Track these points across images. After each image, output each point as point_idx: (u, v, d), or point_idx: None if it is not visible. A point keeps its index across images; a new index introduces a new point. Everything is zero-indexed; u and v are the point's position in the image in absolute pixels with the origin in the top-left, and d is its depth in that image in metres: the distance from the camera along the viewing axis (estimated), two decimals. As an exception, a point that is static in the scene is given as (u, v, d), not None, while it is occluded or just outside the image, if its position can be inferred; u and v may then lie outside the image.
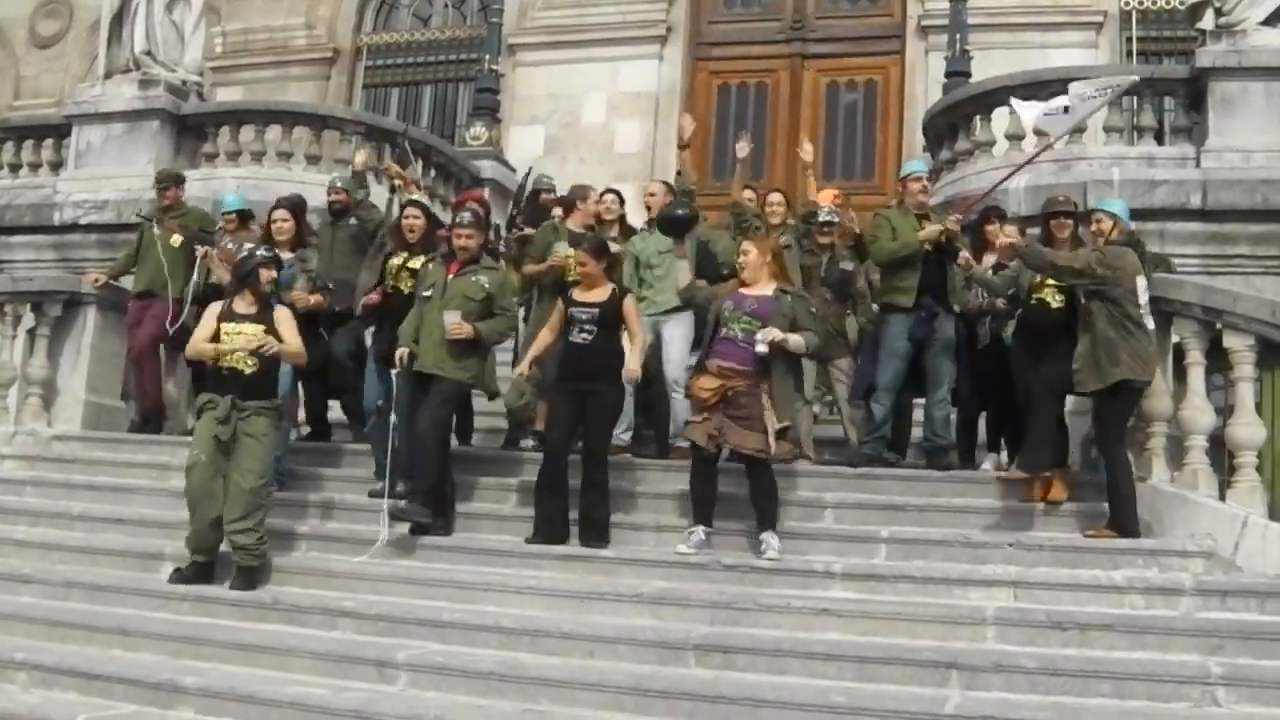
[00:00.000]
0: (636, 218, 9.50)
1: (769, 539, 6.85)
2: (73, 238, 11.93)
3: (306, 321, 7.91)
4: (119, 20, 12.46)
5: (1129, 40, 13.88)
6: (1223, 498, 6.90)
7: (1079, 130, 10.19)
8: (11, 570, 7.36)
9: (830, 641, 5.93)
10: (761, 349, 6.88)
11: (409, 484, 7.47)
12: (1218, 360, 7.22)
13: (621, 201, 9.20)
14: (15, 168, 12.87)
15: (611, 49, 15.15)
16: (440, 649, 6.10)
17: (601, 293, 7.50)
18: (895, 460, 8.27)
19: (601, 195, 9.15)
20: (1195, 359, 7.19)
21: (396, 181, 9.86)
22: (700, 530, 7.01)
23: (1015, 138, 10.43)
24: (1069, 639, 5.82)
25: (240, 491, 6.96)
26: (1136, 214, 8.58)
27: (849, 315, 8.79)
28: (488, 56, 14.51)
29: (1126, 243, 7.43)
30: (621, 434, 8.33)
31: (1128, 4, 14.05)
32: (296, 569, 7.21)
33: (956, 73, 12.45)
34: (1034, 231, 8.20)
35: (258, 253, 7.52)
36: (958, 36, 12.77)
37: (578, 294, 7.60)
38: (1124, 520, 6.76)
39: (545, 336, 7.71)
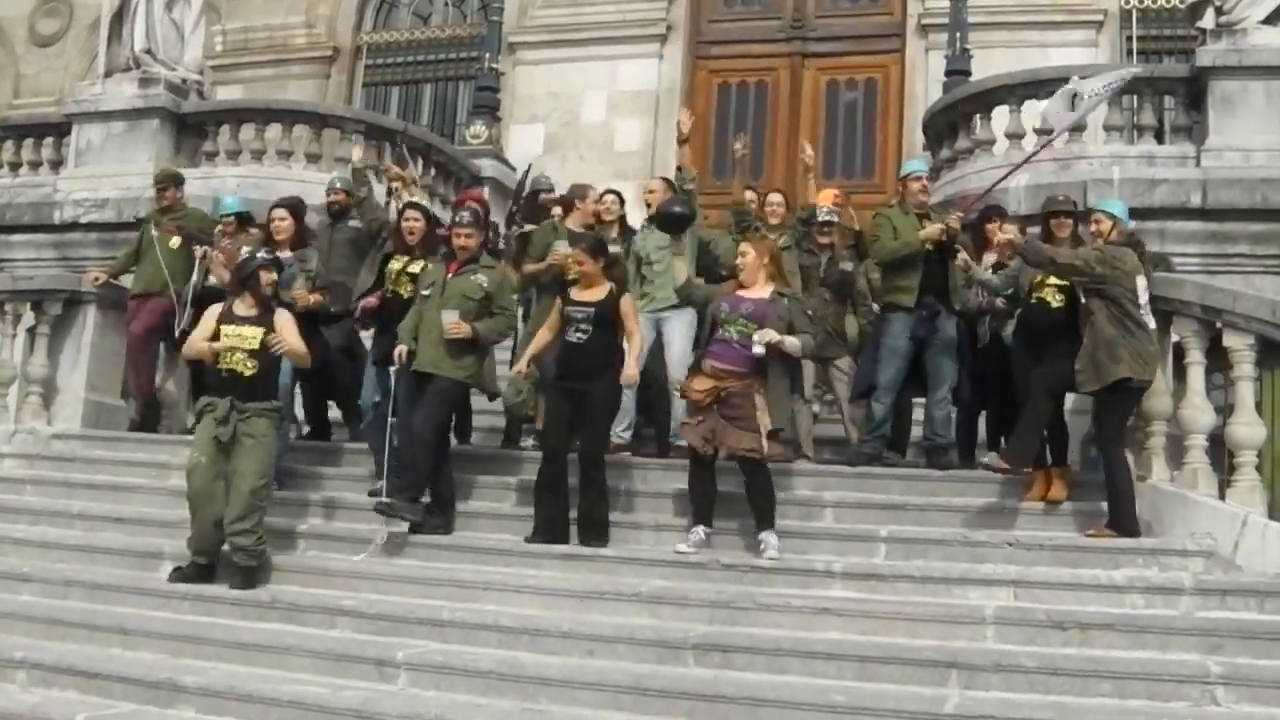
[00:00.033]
0: (637, 217, 9.50)
1: (768, 538, 6.86)
2: (73, 236, 11.93)
3: (306, 321, 7.91)
4: (119, 19, 12.45)
5: (1129, 39, 13.88)
6: (1222, 497, 6.91)
7: (1079, 129, 10.21)
8: (11, 569, 7.36)
9: (830, 641, 5.93)
10: (758, 350, 6.89)
11: (399, 480, 7.48)
12: (1217, 359, 7.22)
13: (622, 202, 9.19)
14: (15, 166, 12.86)
15: (611, 47, 15.15)
16: (440, 648, 6.10)
17: (598, 292, 7.50)
18: (895, 460, 8.26)
19: (602, 196, 9.14)
20: (1195, 358, 7.19)
21: (395, 184, 9.85)
22: (700, 530, 7.02)
23: (1015, 136, 10.44)
24: (1069, 638, 5.82)
25: (240, 493, 6.96)
26: (1136, 213, 8.59)
27: (849, 315, 8.80)
28: (488, 55, 14.51)
29: (1126, 243, 7.43)
30: (621, 431, 8.34)
31: (1128, 3, 14.04)
32: (296, 568, 7.21)
33: (956, 71, 12.46)
34: (1034, 230, 8.21)
35: (258, 255, 7.53)
36: (958, 35, 12.78)
37: (575, 293, 7.61)
38: (1123, 519, 6.76)
39: (543, 335, 7.71)
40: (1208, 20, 10.13)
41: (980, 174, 10.23)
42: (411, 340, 7.64)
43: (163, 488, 8.39)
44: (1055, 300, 7.35)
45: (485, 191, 12.39)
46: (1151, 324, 7.06)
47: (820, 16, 15.05)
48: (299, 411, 9.06)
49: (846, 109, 14.73)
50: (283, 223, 8.85)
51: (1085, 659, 5.62)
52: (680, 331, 8.36)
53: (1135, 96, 10.43)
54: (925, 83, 13.91)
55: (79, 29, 17.87)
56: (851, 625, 6.08)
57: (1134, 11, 14.02)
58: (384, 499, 7.36)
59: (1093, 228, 7.51)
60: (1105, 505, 6.91)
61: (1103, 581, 6.32)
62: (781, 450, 7.36)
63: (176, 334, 9.08)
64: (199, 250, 9.15)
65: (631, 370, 7.41)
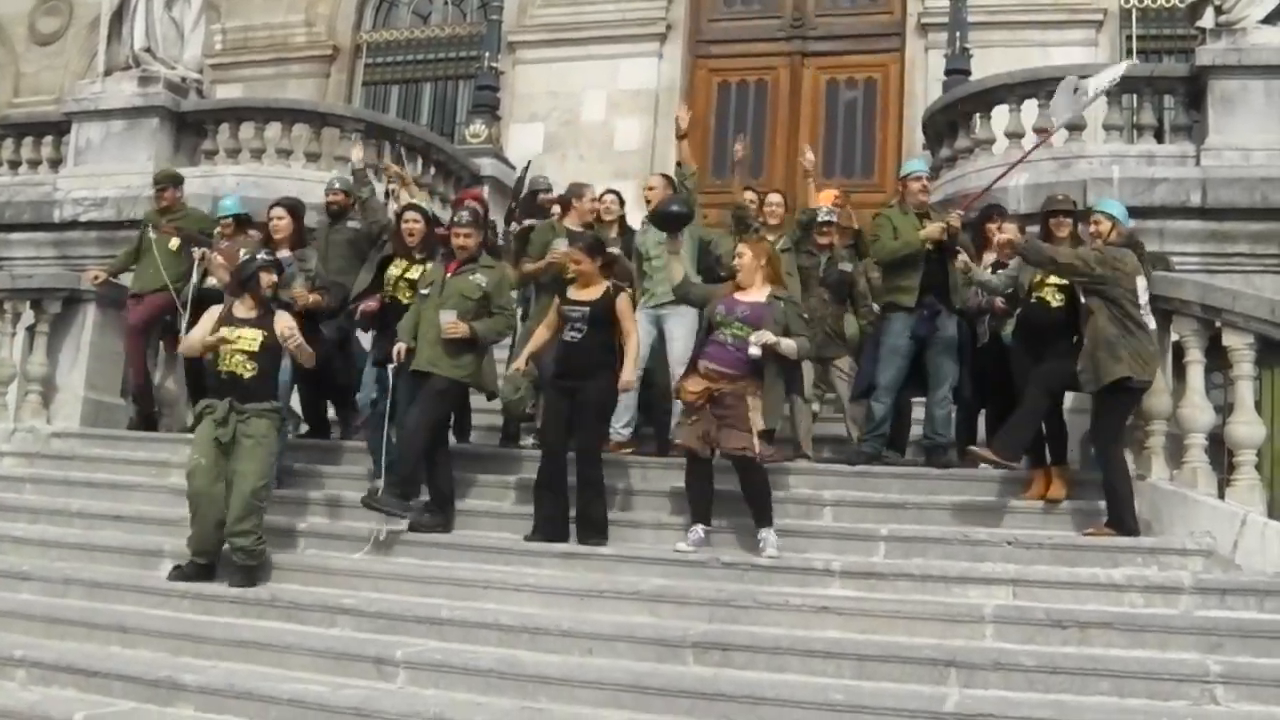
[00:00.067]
0: (637, 217, 9.50)
1: (767, 536, 6.87)
2: (72, 235, 11.90)
3: (305, 320, 7.91)
4: (119, 17, 12.43)
5: (1129, 38, 13.86)
6: (1222, 496, 6.91)
7: (1079, 127, 10.21)
8: (10, 567, 7.36)
9: (829, 639, 5.93)
10: (755, 351, 6.90)
11: (390, 477, 7.50)
12: (1217, 358, 7.22)
13: (621, 202, 9.20)
14: (15, 165, 12.84)
15: (611, 46, 15.14)
16: (439, 646, 6.10)
17: (594, 291, 7.51)
18: (894, 458, 8.27)
19: (601, 196, 9.15)
20: (1195, 357, 7.20)
21: (392, 185, 9.83)
22: (699, 528, 7.03)
23: (1015, 135, 10.43)
24: (1068, 637, 5.82)
25: (241, 495, 6.96)
26: (1136, 212, 8.58)
27: (848, 315, 8.80)
28: (487, 54, 14.50)
29: (1125, 244, 7.43)
30: (621, 428, 8.36)
31: (1128, 2, 14.02)
32: (295, 566, 7.21)
33: (956, 70, 12.45)
34: (1033, 230, 8.20)
35: (259, 256, 7.53)
36: (957, 34, 12.77)
37: (572, 292, 7.62)
38: (1122, 518, 6.77)
39: (541, 333, 7.73)
40: (1207, 19, 10.12)
41: (980, 173, 10.21)
42: (411, 339, 7.66)
43: (162, 486, 8.40)
44: (1055, 300, 7.36)
45: (485, 190, 12.37)
46: (1152, 324, 7.06)
47: (820, 15, 15.04)
48: (296, 406, 9.06)
49: (846, 108, 14.72)
50: (280, 222, 8.85)
51: (1084, 658, 5.62)
52: (682, 329, 8.36)
53: (1135, 96, 10.43)
54: (925, 82, 13.89)
55: (79, 27, 17.86)
56: (851, 624, 6.08)
57: (1134, 11, 14.01)
58: (372, 493, 7.38)
59: (1092, 228, 7.51)
60: (1104, 504, 6.91)
61: (1102, 580, 6.32)
62: (774, 450, 7.35)
63: (182, 333, 9.08)
64: (197, 252, 9.15)
65: (628, 377, 7.41)
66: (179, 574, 7.06)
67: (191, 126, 12.38)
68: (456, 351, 7.59)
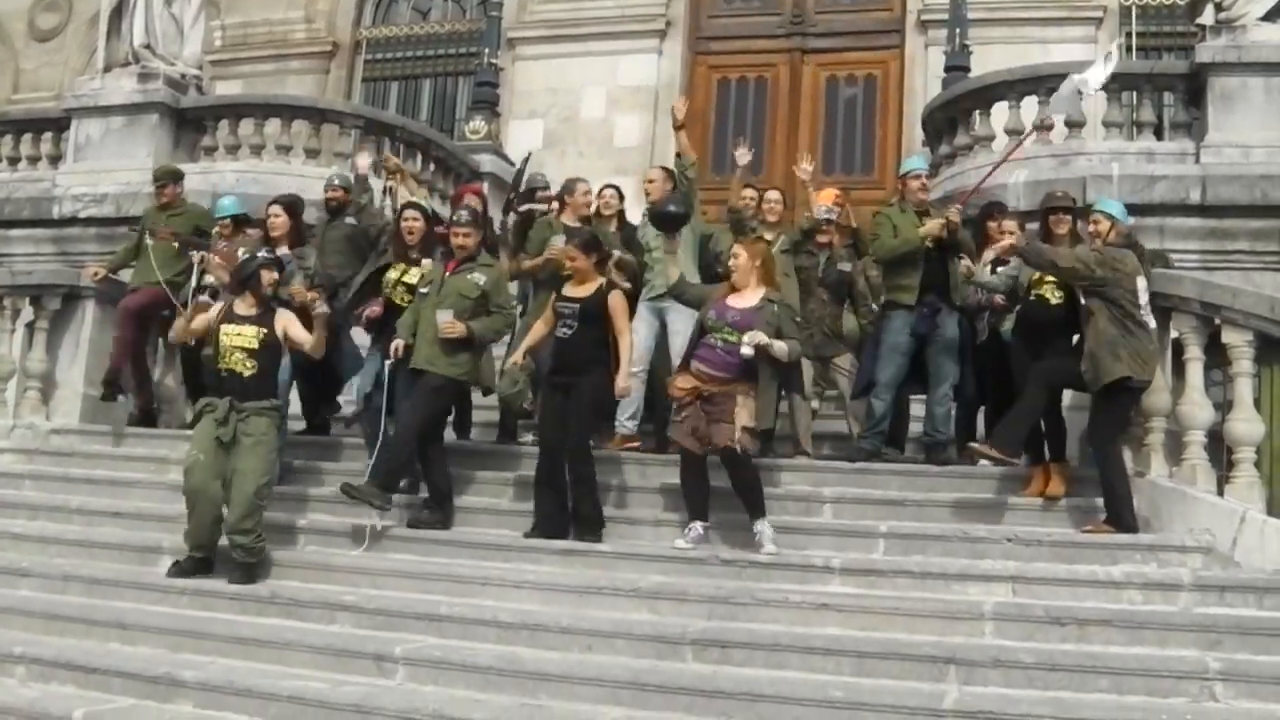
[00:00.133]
0: (638, 212, 9.49)
1: (762, 528, 6.88)
2: (72, 231, 11.90)
3: (303, 317, 7.90)
4: (118, 14, 12.42)
5: (1129, 35, 13.86)
6: (1221, 493, 6.91)
7: (1078, 124, 10.21)
8: (10, 564, 7.37)
9: (828, 636, 5.93)
10: (747, 351, 6.92)
11: (374, 466, 7.52)
12: (1216, 355, 7.23)
13: (621, 196, 9.20)
14: (14, 161, 12.83)
15: (610, 43, 15.13)
16: (438, 643, 6.11)
17: (588, 288, 7.51)
18: (894, 455, 8.27)
19: (601, 190, 9.14)
20: (1194, 354, 7.20)
21: (390, 183, 9.81)
22: (697, 525, 7.04)
23: (1015, 132, 10.42)
24: (1067, 634, 5.82)
25: (243, 494, 6.96)
26: (1135, 209, 8.59)
27: (848, 314, 8.80)
28: (487, 50, 14.48)
29: (1124, 243, 7.42)
30: (626, 420, 8.37)
31: (1127, -1, 14.05)
32: (295, 563, 7.21)
33: (956, 67, 12.45)
34: (1033, 227, 8.21)
35: (259, 254, 7.54)
36: (957, 31, 12.77)
37: (567, 289, 7.63)
38: (1121, 515, 6.77)
39: (539, 328, 7.76)
40: (1207, 17, 10.11)
41: (979, 170, 10.20)
42: (410, 336, 7.67)
43: (161, 482, 8.39)
44: (1054, 297, 7.36)
45: (484, 186, 12.36)
46: (1151, 324, 7.06)
47: (820, 12, 15.02)
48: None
49: (846, 105, 14.70)
50: (277, 219, 8.85)
51: (1083, 655, 5.62)
52: (683, 322, 8.32)
53: (1135, 93, 10.42)
54: (925, 79, 13.88)
55: (78, 24, 17.85)
56: (850, 621, 6.08)
57: (1133, 8, 14.01)
58: (350, 483, 7.42)
59: (1091, 227, 7.50)
60: (1103, 501, 6.92)
61: (1101, 577, 6.33)
62: (755, 442, 7.37)
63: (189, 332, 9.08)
64: (196, 255, 9.13)
65: (623, 383, 7.42)
66: (178, 570, 7.06)
67: (191, 123, 12.37)
68: (453, 350, 7.60)
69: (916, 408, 8.57)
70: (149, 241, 9.53)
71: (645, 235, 8.75)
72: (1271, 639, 5.66)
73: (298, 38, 16.73)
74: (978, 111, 10.96)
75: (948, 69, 12.60)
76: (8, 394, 9.65)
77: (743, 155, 9.25)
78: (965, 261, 7.94)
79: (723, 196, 9.72)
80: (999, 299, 7.87)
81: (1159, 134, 10.33)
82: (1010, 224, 8.21)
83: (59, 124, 12.60)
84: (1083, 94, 8.21)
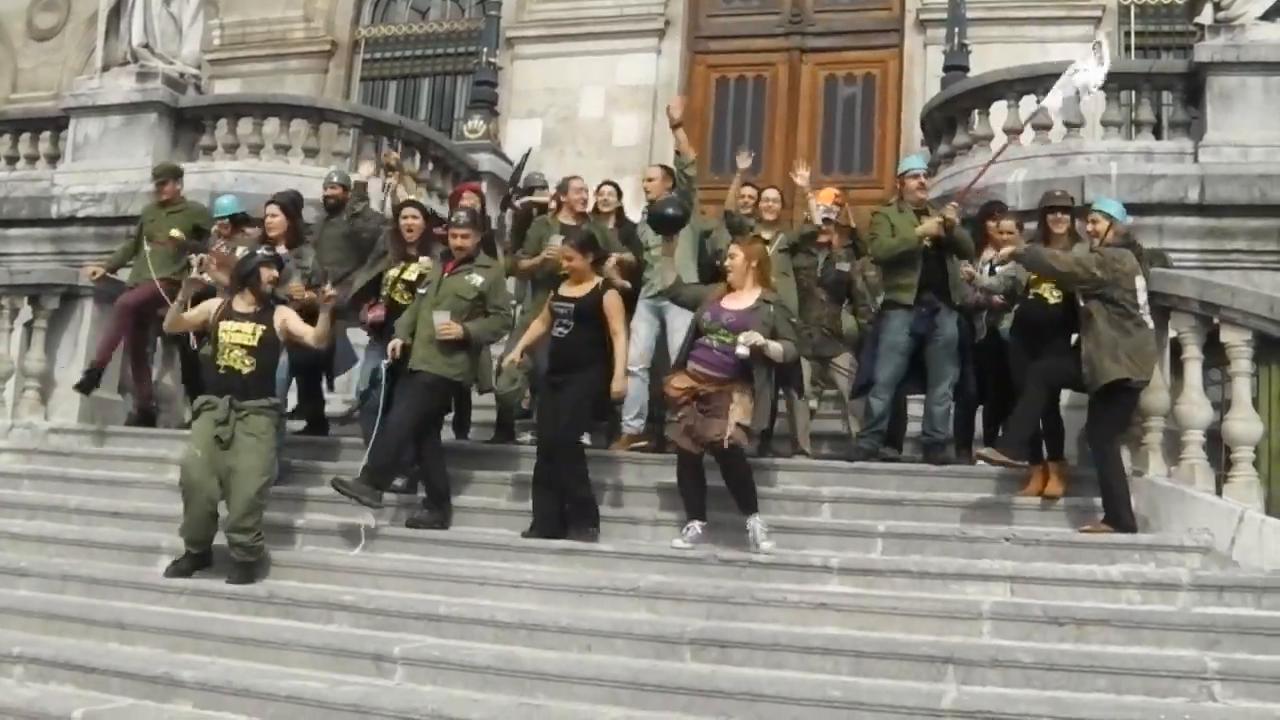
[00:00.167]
0: (637, 210, 9.50)
1: (754, 524, 6.88)
2: (70, 230, 11.91)
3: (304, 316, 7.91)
4: (117, 13, 12.43)
5: (1127, 34, 13.86)
6: (1219, 492, 6.91)
7: (1076, 124, 10.20)
8: (8, 563, 7.37)
9: (827, 636, 5.93)
10: (742, 351, 6.92)
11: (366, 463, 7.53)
12: (1215, 355, 7.22)
13: (619, 194, 9.20)
14: (13, 160, 12.84)
15: (609, 42, 15.12)
16: (437, 643, 6.11)
17: (584, 288, 7.52)
18: (892, 455, 8.27)
19: (599, 188, 9.14)
20: (1192, 354, 7.21)
21: (389, 181, 9.81)
22: (696, 525, 7.04)
23: (1013, 132, 10.41)
24: (1065, 634, 5.82)
25: (244, 493, 6.95)
26: (1134, 209, 8.58)
27: (846, 314, 8.79)
28: (485, 50, 14.49)
29: (1122, 243, 7.42)
30: (631, 420, 8.37)
31: (1127, -2, 14.05)
32: (294, 563, 7.21)
33: (955, 67, 12.45)
34: (1031, 226, 8.21)
35: (259, 252, 7.53)
36: (956, 30, 12.78)
37: (563, 288, 7.64)
38: (1119, 515, 6.77)
39: (536, 327, 7.79)
40: (1206, 16, 10.11)
41: (977, 169, 10.21)
42: (408, 336, 7.67)
43: (160, 482, 8.38)
44: (1052, 297, 7.35)
45: (483, 185, 12.36)
46: (1150, 324, 7.06)
47: (819, 11, 15.02)
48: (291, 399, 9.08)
49: (845, 104, 14.70)
50: (274, 219, 8.85)
51: (1082, 654, 5.62)
52: (683, 320, 8.31)
53: (1133, 92, 10.42)
54: (924, 78, 13.89)
55: (76, 23, 17.85)
56: (848, 620, 6.08)
57: (1132, 7, 14.01)
58: (341, 477, 7.43)
59: (1090, 227, 7.50)
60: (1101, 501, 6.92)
61: (1099, 577, 6.33)
62: (751, 439, 7.37)
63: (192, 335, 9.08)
64: (194, 259, 9.11)
65: (618, 385, 7.43)
66: (175, 570, 7.06)
67: (189, 122, 12.37)
68: (450, 351, 7.61)
69: (915, 407, 8.57)
70: (147, 248, 9.52)
71: (646, 235, 8.75)
72: (1270, 638, 5.66)
73: (296, 37, 16.72)
74: (976, 111, 10.96)
75: (946, 68, 12.61)
76: (6, 393, 9.65)
77: (744, 160, 9.28)
78: (968, 268, 7.95)
79: (721, 196, 9.71)
80: (997, 299, 7.87)
81: (1158, 133, 10.34)
82: (1009, 223, 8.21)
83: (57, 123, 12.61)
84: (1081, 95, 8.20)
